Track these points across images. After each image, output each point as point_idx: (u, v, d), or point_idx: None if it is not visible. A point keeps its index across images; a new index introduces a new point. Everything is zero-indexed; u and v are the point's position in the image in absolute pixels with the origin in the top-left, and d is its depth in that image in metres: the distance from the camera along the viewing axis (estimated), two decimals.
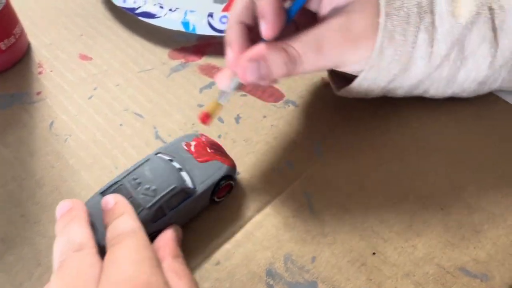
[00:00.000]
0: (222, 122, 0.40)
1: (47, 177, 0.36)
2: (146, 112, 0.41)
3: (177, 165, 0.33)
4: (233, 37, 0.32)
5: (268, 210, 0.35)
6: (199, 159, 0.34)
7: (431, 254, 0.32)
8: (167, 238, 0.30)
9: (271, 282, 0.31)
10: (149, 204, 0.30)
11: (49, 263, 0.32)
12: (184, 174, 0.32)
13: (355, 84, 0.34)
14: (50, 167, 0.37)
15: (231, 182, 0.34)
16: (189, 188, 0.31)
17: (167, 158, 0.33)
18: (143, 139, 0.39)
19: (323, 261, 0.32)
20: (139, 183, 0.31)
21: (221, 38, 0.46)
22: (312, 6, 0.34)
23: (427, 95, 0.37)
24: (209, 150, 0.34)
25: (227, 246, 0.33)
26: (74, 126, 0.40)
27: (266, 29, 0.30)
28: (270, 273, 0.31)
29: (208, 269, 0.32)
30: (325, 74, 0.43)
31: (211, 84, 0.43)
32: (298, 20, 0.35)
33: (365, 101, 0.40)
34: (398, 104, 0.40)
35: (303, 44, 0.31)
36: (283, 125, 0.40)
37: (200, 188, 0.32)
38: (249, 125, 0.40)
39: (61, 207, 0.29)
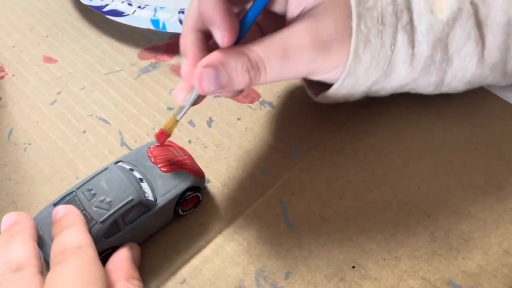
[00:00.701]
0: (193, 125, 0.37)
1: (3, 190, 0.34)
2: (111, 117, 0.38)
3: (137, 175, 0.30)
4: (187, 46, 0.29)
5: (240, 221, 0.32)
6: (163, 169, 0.31)
7: (416, 266, 0.29)
8: (122, 258, 0.27)
9: None
10: (102, 218, 0.27)
11: None
12: (144, 185, 0.30)
13: (332, 91, 0.31)
14: (7, 180, 0.34)
15: (198, 194, 0.31)
16: (148, 200, 0.29)
17: (128, 167, 0.31)
18: (107, 146, 0.36)
19: (298, 277, 0.29)
20: (94, 195, 0.28)
21: None
22: (278, 8, 0.30)
23: (417, 91, 0.34)
24: (175, 159, 0.32)
25: (194, 262, 0.30)
26: (34, 134, 0.37)
27: (220, 36, 0.26)
28: None
29: (172, 286, 0.29)
30: None
31: None
32: (264, 25, 0.32)
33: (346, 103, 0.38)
34: (383, 103, 0.37)
35: (266, 49, 0.27)
36: (258, 128, 0.37)
37: (161, 201, 0.29)
38: (221, 128, 0.37)
39: (6, 221, 0.27)
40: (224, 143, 0.36)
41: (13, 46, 0.44)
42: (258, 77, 0.27)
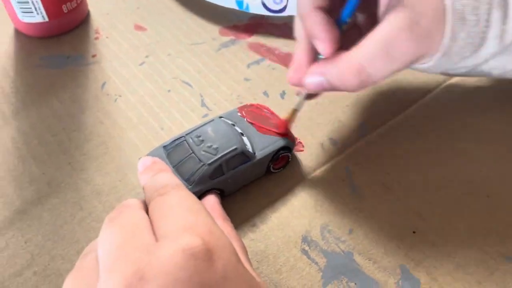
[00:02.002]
0: (268, 96, 0.40)
1: (96, 132, 0.38)
2: (194, 81, 0.42)
3: (238, 130, 0.33)
4: (296, 52, 0.32)
5: (308, 181, 0.34)
6: (259, 128, 0.34)
7: (474, 238, 0.31)
8: (213, 202, 0.30)
9: (306, 248, 0.31)
10: (210, 161, 0.30)
11: (91, 208, 0.33)
12: (245, 139, 0.33)
13: (419, 66, 0.31)
14: (99, 123, 0.38)
15: (289, 154, 0.34)
16: (249, 152, 0.32)
17: (230, 122, 0.34)
18: (189, 106, 0.40)
19: (360, 234, 0.31)
20: (202, 141, 0.31)
21: (273, 18, 0.47)
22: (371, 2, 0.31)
23: (485, 69, 0.33)
24: (270, 120, 0.35)
25: (265, 211, 0.33)
26: (124, 88, 0.41)
27: (323, 48, 0.29)
28: (305, 240, 0.31)
29: (244, 229, 0.32)
30: None
31: (259, 61, 0.43)
32: (360, 20, 0.33)
33: (414, 85, 0.40)
34: (450, 92, 0.39)
35: (367, 53, 0.27)
36: (328, 104, 0.40)
37: (259, 155, 0.32)
38: (293, 101, 0.39)
39: (144, 161, 0.28)
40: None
41: (107, 13, 0.49)
42: (363, 83, 0.28)
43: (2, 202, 0.33)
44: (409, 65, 0.29)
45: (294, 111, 0.33)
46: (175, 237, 0.21)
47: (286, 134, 0.34)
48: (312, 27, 0.29)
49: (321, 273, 0.30)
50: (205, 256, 0.20)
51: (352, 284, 0.29)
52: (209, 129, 0.32)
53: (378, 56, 0.27)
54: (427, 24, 0.27)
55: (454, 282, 0.29)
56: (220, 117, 0.34)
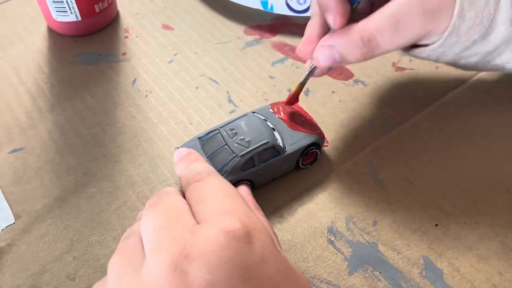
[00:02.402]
0: None
1: (129, 125, 0.39)
2: (220, 79, 0.43)
3: (270, 125, 0.35)
4: (307, 27, 0.33)
5: (333, 176, 0.36)
6: (290, 124, 0.35)
7: (494, 232, 0.32)
8: (245, 192, 0.31)
9: (332, 239, 0.32)
10: (242, 153, 0.32)
11: (125, 197, 0.34)
12: (276, 134, 0.34)
13: (429, 49, 0.32)
14: (132, 117, 0.40)
15: (318, 151, 0.35)
16: (280, 146, 0.33)
17: (262, 117, 0.35)
18: (217, 102, 0.41)
19: (385, 226, 0.33)
20: (235, 134, 0.33)
21: (296, 19, 0.49)
22: None
23: (499, 63, 0.33)
24: (300, 117, 0.36)
25: (292, 203, 0.34)
26: (154, 85, 0.43)
27: (333, 20, 0.30)
28: (331, 231, 0.32)
29: (272, 220, 0.33)
30: (396, 59, 0.44)
31: (283, 59, 0.45)
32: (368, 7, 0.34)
33: (436, 84, 0.41)
34: (470, 90, 0.40)
35: (377, 23, 0.29)
36: (351, 101, 0.41)
37: (289, 149, 0.33)
38: (317, 98, 0.41)
39: (180, 152, 0.30)
40: (319, 111, 0.40)
41: (136, 13, 0.50)
42: (371, 51, 0.30)
43: (42, 190, 0.35)
44: (416, 39, 0.30)
45: (300, 85, 0.35)
46: (216, 219, 0.22)
47: (293, 103, 0.36)
48: (325, 1, 0.30)
49: (346, 262, 0.31)
50: (245, 238, 0.22)
51: (377, 273, 0.30)
52: (242, 123, 0.33)
53: (387, 28, 0.29)
54: (438, 2, 0.28)
55: (476, 273, 0.30)
56: (253, 112, 0.35)
